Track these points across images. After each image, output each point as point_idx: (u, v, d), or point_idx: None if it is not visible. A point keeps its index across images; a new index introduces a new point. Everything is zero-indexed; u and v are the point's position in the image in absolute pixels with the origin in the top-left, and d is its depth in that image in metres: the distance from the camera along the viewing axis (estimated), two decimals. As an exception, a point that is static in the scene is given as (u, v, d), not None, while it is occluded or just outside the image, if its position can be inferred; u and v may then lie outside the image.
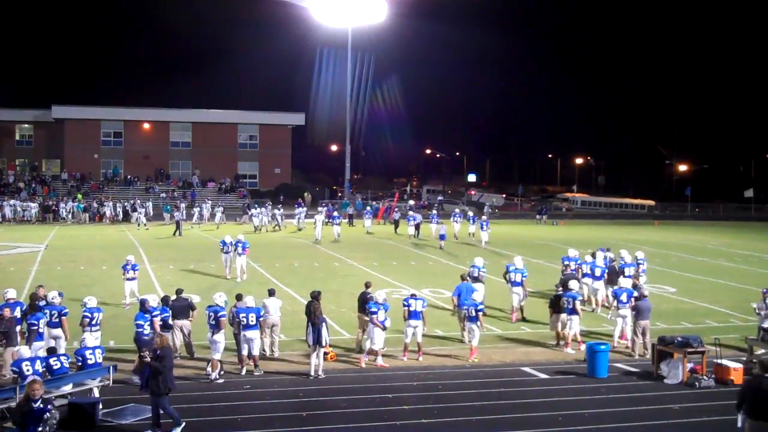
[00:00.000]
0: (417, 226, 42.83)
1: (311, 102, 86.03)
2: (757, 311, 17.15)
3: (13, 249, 35.12)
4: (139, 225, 46.98)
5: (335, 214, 43.78)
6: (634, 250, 25.47)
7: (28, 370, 12.15)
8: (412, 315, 16.07)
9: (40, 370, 12.37)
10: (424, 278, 27.26)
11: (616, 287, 18.33)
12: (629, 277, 21.95)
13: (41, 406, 9.55)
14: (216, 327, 14.66)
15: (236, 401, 13.32)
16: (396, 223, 45.90)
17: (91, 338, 14.66)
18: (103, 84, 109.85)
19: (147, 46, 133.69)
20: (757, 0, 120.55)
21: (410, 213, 46.96)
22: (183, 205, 49.78)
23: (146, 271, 28.40)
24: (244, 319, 14.93)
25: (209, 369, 14.62)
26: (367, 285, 17.13)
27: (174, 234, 41.65)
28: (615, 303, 17.65)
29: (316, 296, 15.45)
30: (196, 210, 50.77)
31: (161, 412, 11.71)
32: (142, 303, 15.12)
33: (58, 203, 53.66)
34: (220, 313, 14.76)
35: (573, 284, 17.68)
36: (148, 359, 11.87)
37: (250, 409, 12.88)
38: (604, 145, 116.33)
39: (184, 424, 11.78)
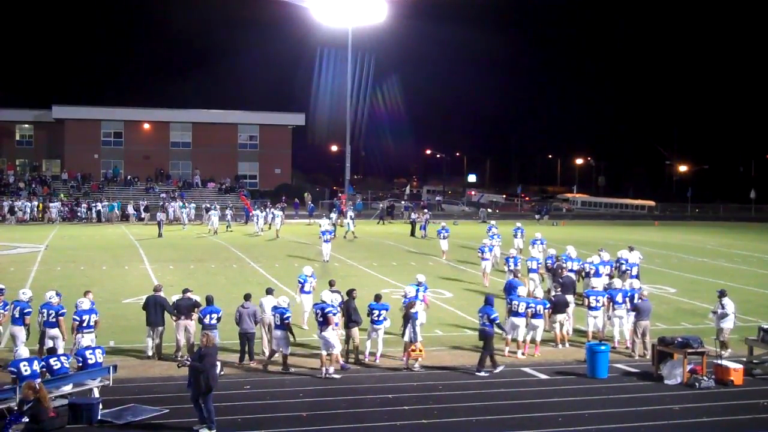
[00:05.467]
0: (413, 224, 44.14)
1: (311, 102, 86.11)
2: (713, 312, 17.00)
3: (13, 249, 35.11)
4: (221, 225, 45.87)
5: (326, 228, 32.68)
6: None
7: (26, 370, 12.12)
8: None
9: (38, 371, 12.34)
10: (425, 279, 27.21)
11: (611, 288, 18.38)
12: (634, 277, 22.01)
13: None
14: (324, 324, 14.93)
15: (236, 402, 13.30)
16: (412, 225, 45.03)
17: (86, 340, 14.59)
18: (104, 84, 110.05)
19: (147, 47, 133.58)
20: (757, 0, 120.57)
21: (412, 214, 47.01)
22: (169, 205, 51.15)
23: (146, 271, 28.40)
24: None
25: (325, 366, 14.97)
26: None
27: (159, 235, 41.12)
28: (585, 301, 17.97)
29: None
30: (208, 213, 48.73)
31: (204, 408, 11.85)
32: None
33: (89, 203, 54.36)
34: (327, 309, 15.00)
35: (521, 290, 18.09)
36: (188, 364, 12.07)
37: (250, 410, 12.87)
38: (605, 146, 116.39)
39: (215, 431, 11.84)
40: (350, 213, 45.69)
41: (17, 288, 22.55)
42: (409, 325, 15.48)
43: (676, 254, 36.52)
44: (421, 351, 15.49)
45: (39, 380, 11.48)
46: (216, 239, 40.64)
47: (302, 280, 19.56)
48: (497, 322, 15.63)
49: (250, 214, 47.27)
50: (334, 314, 15.14)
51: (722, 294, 17.01)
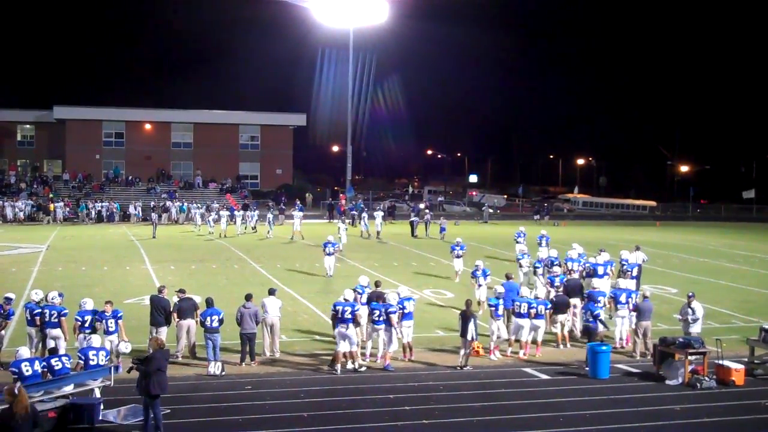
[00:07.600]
0: (412, 224, 44.69)
1: (313, 102, 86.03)
2: (680, 318, 16.78)
3: (15, 249, 35.14)
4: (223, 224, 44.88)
5: (328, 240, 27.72)
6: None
7: (27, 371, 12.11)
8: (406, 316, 16.30)
9: (40, 371, 12.33)
10: (425, 279, 27.23)
11: (614, 288, 18.37)
12: (634, 278, 21.98)
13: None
14: (386, 323, 15.76)
15: (237, 402, 13.31)
16: (412, 226, 45.19)
17: (95, 341, 14.55)
18: (105, 84, 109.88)
19: (148, 47, 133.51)
20: (757, 0, 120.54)
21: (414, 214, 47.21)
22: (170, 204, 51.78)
23: (147, 271, 28.42)
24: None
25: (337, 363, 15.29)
26: (377, 284, 17.77)
27: (153, 236, 41.07)
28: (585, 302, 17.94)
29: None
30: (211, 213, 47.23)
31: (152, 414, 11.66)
32: None
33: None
34: (389, 310, 15.80)
35: (524, 290, 17.95)
36: (134, 365, 11.92)
37: (251, 410, 12.88)
38: (606, 146, 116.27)
39: None
40: (379, 214, 44.79)
41: (19, 288, 22.63)
42: (470, 324, 15.60)
43: (677, 254, 36.49)
44: (478, 349, 15.97)
45: (19, 384, 11.24)
46: (219, 240, 40.65)
47: (359, 291, 17.33)
48: (600, 318, 15.98)
49: (235, 212, 46.95)
50: (394, 313, 15.85)
51: (691, 297, 16.79)
